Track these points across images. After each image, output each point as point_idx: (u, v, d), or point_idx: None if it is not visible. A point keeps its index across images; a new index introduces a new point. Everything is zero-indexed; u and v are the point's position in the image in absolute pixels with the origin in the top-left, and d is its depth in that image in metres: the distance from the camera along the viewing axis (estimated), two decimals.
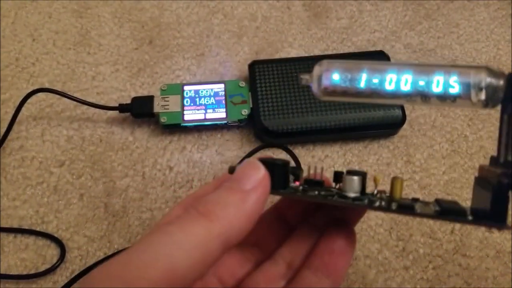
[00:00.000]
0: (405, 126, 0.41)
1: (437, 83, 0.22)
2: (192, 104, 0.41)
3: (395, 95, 0.23)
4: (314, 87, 0.25)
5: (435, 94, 0.22)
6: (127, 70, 0.45)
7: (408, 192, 0.39)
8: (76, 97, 0.40)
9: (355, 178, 0.23)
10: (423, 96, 0.23)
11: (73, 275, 0.35)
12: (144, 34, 0.47)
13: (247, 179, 0.22)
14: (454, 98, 0.22)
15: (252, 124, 0.41)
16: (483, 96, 0.22)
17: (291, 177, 0.25)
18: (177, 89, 0.42)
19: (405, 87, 0.23)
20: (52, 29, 0.47)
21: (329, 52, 0.46)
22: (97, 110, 0.42)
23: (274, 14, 0.49)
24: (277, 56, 0.46)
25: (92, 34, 0.47)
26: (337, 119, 0.40)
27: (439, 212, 0.22)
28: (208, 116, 0.41)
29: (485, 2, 0.50)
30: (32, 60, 0.45)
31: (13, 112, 0.40)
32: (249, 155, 0.40)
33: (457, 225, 0.38)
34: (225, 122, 0.41)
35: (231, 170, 0.24)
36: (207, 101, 0.41)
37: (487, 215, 0.20)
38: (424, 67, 0.23)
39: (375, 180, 0.25)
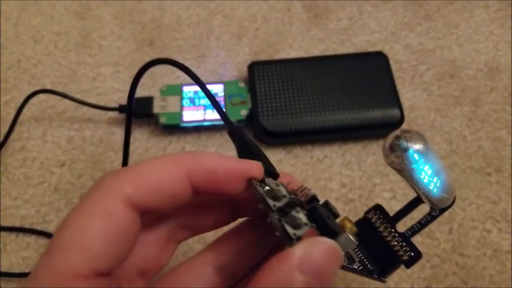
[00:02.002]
0: (403, 126, 0.41)
1: None
2: (191, 104, 0.41)
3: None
4: (392, 155, 0.24)
5: None
6: (127, 71, 0.45)
7: (407, 192, 0.39)
8: (77, 98, 0.41)
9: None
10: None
11: None
12: (145, 35, 0.47)
13: (330, 278, 0.18)
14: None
15: (251, 125, 0.42)
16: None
17: (271, 181, 0.23)
18: (177, 90, 0.42)
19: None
20: (54, 30, 0.48)
21: (329, 53, 0.46)
22: (97, 111, 0.42)
23: (274, 15, 0.49)
24: (277, 57, 0.46)
25: (93, 35, 0.47)
26: (336, 119, 0.40)
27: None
28: (207, 116, 0.41)
29: (485, 3, 0.50)
30: (34, 62, 0.46)
31: (15, 113, 0.41)
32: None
33: (455, 225, 0.38)
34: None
35: (294, 240, 0.19)
36: (206, 102, 0.41)
37: (377, 272, 0.26)
38: None
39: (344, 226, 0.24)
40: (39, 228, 0.38)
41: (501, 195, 0.39)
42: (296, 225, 0.19)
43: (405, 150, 0.24)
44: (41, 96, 0.43)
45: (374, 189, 0.40)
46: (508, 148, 0.41)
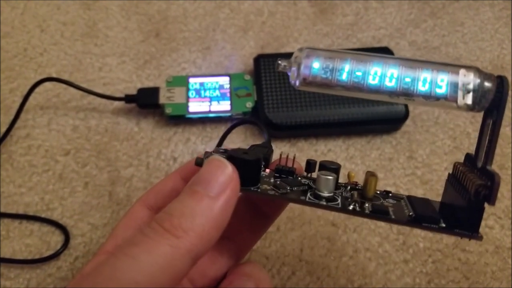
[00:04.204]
0: (408, 122, 0.41)
1: (424, 81, 0.21)
2: (197, 96, 0.41)
3: (378, 90, 0.21)
4: (292, 76, 0.22)
5: (421, 93, 0.21)
6: (133, 62, 0.45)
7: (410, 187, 0.39)
8: (82, 87, 0.41)
9: (330, 178, 0.22)
10: (407, 94, 0.21)
11: (76, 261, 0.36)
12: (151, 27, 0.48)
13: (214, 182, 0.20)
14: (439, 99, 0.21)
15: (256, 117, 0.42)
16: (469, 99, 0.21)
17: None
18: (183, 81, 0.42)
19: (390, 83, 0.21)
20: (60, 20, 0.48)
21: (334, 48, 0.47)
22: (103, 100, 0.42)
23: (280, 9, 0.49)
24: (282, 51, 0.46)
25: (100, 26, 0.47)
26: (340, 113, 0.40)
27: (412, 218, 0.22)
28: (213, 108, 0.41)
29: (490, 1, 0.50)
30: (40, 51, 0.46)
31: (21, 101, 0.41)
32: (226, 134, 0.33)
33: None
34: (230, 114, 0.41)
35: (199, 163, 0.22)
36: (212, 94, 0.42)
37: (461, 224, 0.21)
38: (411, 63, 0.21)
39: (349, 177, 0.25)
40: (43, 215, 0.38)
41: (503, 192, 0.39)
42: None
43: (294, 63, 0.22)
44: (47, 85, 0.43)
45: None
46: (511, 145, 0.42)
